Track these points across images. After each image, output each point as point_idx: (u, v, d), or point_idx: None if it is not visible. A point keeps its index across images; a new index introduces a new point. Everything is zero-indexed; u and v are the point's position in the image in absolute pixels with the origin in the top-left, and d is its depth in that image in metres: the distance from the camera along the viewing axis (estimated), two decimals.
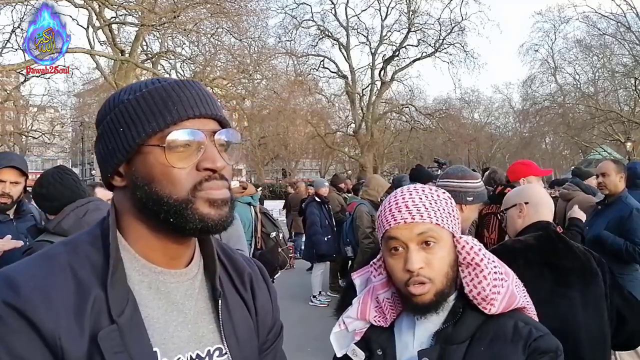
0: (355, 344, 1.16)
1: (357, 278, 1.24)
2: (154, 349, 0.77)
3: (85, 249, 0.79)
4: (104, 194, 3.69)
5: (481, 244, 1.13)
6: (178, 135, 0.77)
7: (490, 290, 1.06)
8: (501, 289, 1.08)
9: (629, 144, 25.36)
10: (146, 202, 0.78)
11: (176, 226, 0.78)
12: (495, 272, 1.09)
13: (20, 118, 29.00)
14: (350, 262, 6.99)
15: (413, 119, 30.01)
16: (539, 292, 1.48)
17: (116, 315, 0.73)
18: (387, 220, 1.11)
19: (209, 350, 0.84)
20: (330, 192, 8.39)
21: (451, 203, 1.15)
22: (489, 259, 1.11)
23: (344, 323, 1.20)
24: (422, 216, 1.08)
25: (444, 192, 1.16)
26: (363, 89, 29.44)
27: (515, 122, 39.09)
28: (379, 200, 5.71)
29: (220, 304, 0.87)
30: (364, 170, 26.04)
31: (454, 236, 1.11)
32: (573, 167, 9.70)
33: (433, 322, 1.09)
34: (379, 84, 28.78)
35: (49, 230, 2.06)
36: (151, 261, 0.82)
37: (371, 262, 1.20)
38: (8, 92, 20.63)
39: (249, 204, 4.33)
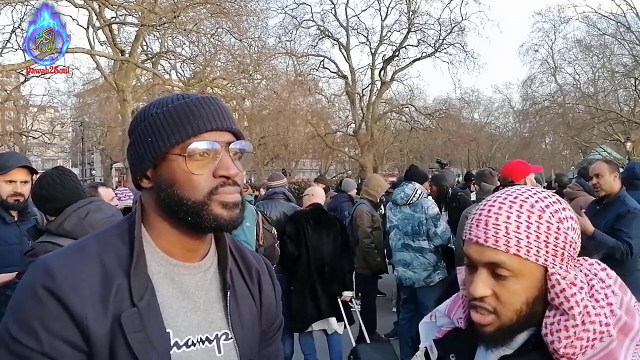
0: (435, 341, 1.08)
1: (459, 273, 1.09)
2: (167, 330, 0.88)
3: (113, 242, 0.91)
4: (106, 193, 3.71)
5: (600, 284, 0.91)
6: (197, 145, 0.88)
7: (566, 343, 0.86)
8: (596, 343, 0.86)
9: (629, 144, 25.38)
10: (168, 202, 0.90)
11: (193, 224, 0.90)
12: (587, 322, 0.86)
13: (20, 118, 28.99)
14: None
15: (413, 119, 29.99)
16: (313, 235, 4.34)
17: (137, 300, 0.86)
18: (465, 231, 0.96)
19: (217, 334, 0.96)
20: (330, 192, 8.40)
21: (557, 229, 0.89)
22: (590, 307, 0.87)
23: (435, 316, 1.11)
24: (496, 241, 0.88)
25: (558, 212, 0.90)
26: (363, 89, 29.43)
27: (515, 122, 39.12)
28: (378, 200, 5.71)
29: (229, 295, 0.98)
30: (363, 170, 26.05)
31: (547, 270, 0.89)
32: (580, 167, 9.71)
33: (510, 347, 0.94)
34: (379, 84, 28.76)
35: (50, 232, 2.06)
36: (169, 254, 0.94)
37: None
38: (8, 92, 20.62)
39: (250, 202, 4.39)
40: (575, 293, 0.87)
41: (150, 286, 0.88)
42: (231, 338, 0.97)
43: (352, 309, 6.61)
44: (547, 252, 0.88)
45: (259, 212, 4.56)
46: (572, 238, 0.91)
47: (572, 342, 0.86)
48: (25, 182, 2.69)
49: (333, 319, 4.38)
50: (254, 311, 1.03)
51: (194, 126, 0.89)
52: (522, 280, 0.88)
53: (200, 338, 0.93)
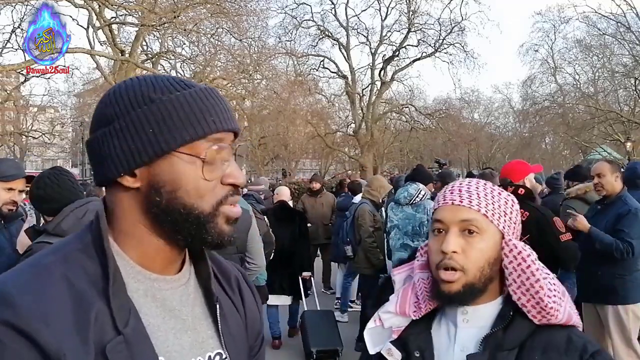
0: (391, 342, 1.10)
1: (397, 275, 1.19)
2: (160, 358, 0.75)
3: (77, 257, 0.74)
4: None
5: (534, 253, 1.07)
6: (215, 148, 0.76)
7: (539, 299, 1.00)
8: (552, 300, 1.01)
9: (629, 144, 25.35)
10: (165, 209, 0.75)
11: (194, 237, 0.77)
12: (549, 283, 1.03)
13: (20, 118, 28.99)
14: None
15: (413, 119, 29.96)
16: (274, 226, 5.01)
17: (122, 327, 0.70)
18: (437, 201, 1.10)
19: (209, 356, 0.82)
20: (325, 192, 8.40)
21: (512, 206, 1.09)
22: (539, 268, 1.04)
23: (379, 319, 1.13)
24: (470, 202, 1.05)
25: (510, 195, 1.11)
26: (363, 89, 29.39)
27: (515, 122, 39.10)
28: (380, 200, 5.71)
29: (218, 309, 0.84)
30: (364, 170, 26.04)
31: (504, 237, 1.06)
32: (581, 167, 9.69)
33: (477, 327, 1.05)
34: (379, 84, 28.73)
35: (48, 232, 2.05)
36: (145, 267, 0.78)
37: (420, 247, 1.17)
38: (8, 92, 20.58)
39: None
40: (529, 254, 1.04)
41: (132, 307, 0.73)
42: (225, 358, 0.83)
43: (350, 309, 6.70)
44: (505, 220, 1.06)
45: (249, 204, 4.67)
46: (518, 219, 1.10)
47: (532, 294, 1.00)
48: (22, 191, 2.71)
49: (289, 297, 5.59)
50: (240, 324, 0.90)
51: (210, 124, 0.75)
52: (486, 239, 1.04)
53: None
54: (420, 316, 1.10)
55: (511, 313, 1.03)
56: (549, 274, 1.05)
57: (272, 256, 4.82)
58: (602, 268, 3.59)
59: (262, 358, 1.00)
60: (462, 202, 1.05)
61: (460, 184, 1.10)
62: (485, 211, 1.04)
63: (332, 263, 7.78)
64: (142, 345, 0.72)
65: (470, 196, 1.06)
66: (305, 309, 5.49)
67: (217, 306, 0.84)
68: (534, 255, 1.05)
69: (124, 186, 0.76)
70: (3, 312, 0.64)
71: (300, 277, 5.51)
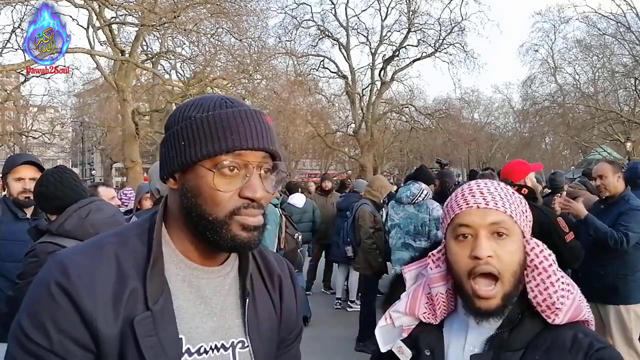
0: (402, 341, 1.10)
1: (407, 272, 1.18)
2: (180, 336, 0.87)
3: (132, 242, 0.89)
4: (106, 193, 3.70)
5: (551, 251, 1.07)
6: (227, 163, 0.85)
7: (557, 298, 1.00)
8: (567, 300, 1.02)
9: (629, 144, 25.36)
10: (190, 211, 0.88)
11: (210, 240, 0.88)
12: (562, 282, 1.02)
13: (20, 118, 28.95)
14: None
15: (413, 119, 29.98)
16: None
17: (151, 304, 0.84)
18: (457, 205, 1.05)
19: (232, 342, 0.93)
20: (334, 192, 8.43)
21: (525, 203, 1.08)
22: (557, 267, 1.04)
23: (390, 317, 1.14)
24: (496, 204, 1.02)
25: (520, 195, 1.11)
26: (363, 89, 29.41)
27: (515, 122, 39.10)
28: (381, 201, 5.69)
29: (247, 302, 0.96)
30: (363, 170, 26.03)
31: (524, 236, 1.04)
32: (584, 168, 9.72)
33: (488, 327, 1.03)
34: (379, 84, 28.75)
35: (51, 232, 2.05)
36: (188, 258, 0.92)
37: (429, 254, 1.11)
38: (8, 92, 20.56)
39: (275, 205, 4.44)
40: (550, 253, 1.05)
41: (166, 290, 0.87)
42: (247, 346, 0.94)
43: (350, 309, 6.75)
44: (522, 220, 1.05)
45: (283, 216, 4.59)
46: (531, 218, 1.08)
47: (559, 297, 1.00)
48: (33, 179, 2.74)
49: None
50: (273, 318, 1.01)
51: (228, 142, 0.85)
52: (514, 240, 1.02)
53: (215, 345, 0.91)
54: (436, 322, 1.09)
55: (520, 314, 1.02)
56: (561, 271, 1.05)
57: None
58: (605, 268, 3.60)
59: (295, 351, 1.12)
60: (488, 204, 1.02)
61: (478, 185, 1.06)
62: (510, 212, 1.02)
63: (332, 263, 7.77)
64: (167, 323, 0.85)
65: (494, 198, 1.03)
66: None
67: (247, 300, 0.96)
68: (553, 254, 1.05)
69: (170, 187, 0.92)
70: (60, 278, 0.82)
71: None
